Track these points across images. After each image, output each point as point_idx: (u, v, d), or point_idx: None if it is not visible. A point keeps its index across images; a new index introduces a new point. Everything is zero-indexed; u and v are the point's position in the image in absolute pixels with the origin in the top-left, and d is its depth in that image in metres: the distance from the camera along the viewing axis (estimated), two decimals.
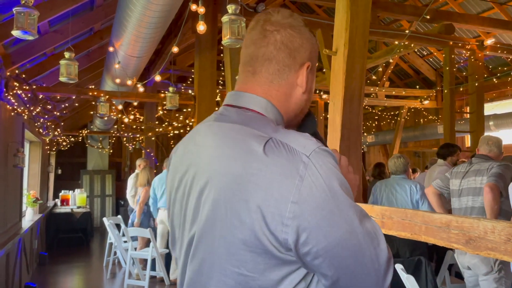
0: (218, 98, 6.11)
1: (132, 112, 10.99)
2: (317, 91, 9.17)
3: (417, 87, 9.58)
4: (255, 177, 0.79)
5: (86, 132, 9.77)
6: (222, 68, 7.47)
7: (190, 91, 6.35)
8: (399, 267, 3.32)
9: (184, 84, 8.16)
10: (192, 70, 8.32)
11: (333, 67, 2.47)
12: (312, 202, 0.77)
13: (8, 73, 4.09)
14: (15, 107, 4.28)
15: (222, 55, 6.30)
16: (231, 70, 3.88)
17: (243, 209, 0.80)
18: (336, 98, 2.45)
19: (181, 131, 8.55)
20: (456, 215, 1.74)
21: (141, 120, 8.65)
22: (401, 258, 3.63)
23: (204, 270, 0.86)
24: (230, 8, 2.14)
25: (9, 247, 4.25)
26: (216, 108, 5.71)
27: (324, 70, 6.17)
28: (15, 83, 4.28)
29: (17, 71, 4.31)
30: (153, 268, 5.54)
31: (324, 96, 9.22)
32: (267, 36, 0.93)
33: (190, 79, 9.12)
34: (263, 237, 0.78)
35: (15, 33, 2.16)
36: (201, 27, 2.19)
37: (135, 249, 5.81)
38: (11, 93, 4.14)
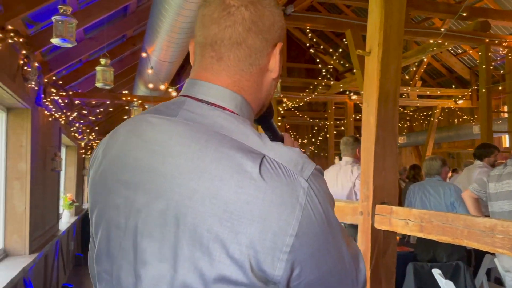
0: None
1: None
2: (347, 92, 9.06)
3: (453, 86, 9.32)
4: (250, 205, 0.66)
5: None
6: None
7: None
8: (436, 272, 3.23)
9: None
10: None
11: (367, 68, 2.43)
12: (311, 233, 0.68)
13: (46, 80, 4.23)
14: (53, 112, 4.42)
15: None
16: None
17: (231, 242, 0.66)
18: (370, 99, 2.40)
19: None
20: (501, 219, 1.68)
21: None
22: (438, 263, 3.53)
23: None
24: None
25: (47, 249, 4.38)
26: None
27: (354, 70, 6.09)
28: (52, 90, 4.42)
29: (54, 78, 4.45)
30: None
31: (354, 97, 9.11)
32: (232, 13, 0.75)
33: None
34: (251, 273, 0.67)
35: (55, 41, 2.23)
36: None
37: None
38: (48, 99, 4.28)
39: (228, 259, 0.66)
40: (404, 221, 2.12)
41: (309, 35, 10.65)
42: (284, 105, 10.35)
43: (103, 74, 3.13)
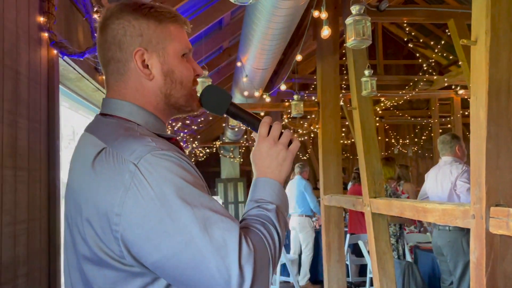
0: (341, 103, 6.03)
1: None
2: (453, 87, 8.43)
3: None
4: (85, 191, 0.78)
5: (219, 143, 10.48)
6: (344, 72, 7.36)
7: (313, 98, 6.38)
8: None
9: (306, 91, 8.22)
10: (314, 77, 8.33)
11: (473, 58, 2.24)
12: (137, 213, 0.72)
13: None
14: None
15: (344, 58, 6.23)
16: (355, 73, 3.78)
17: (80, 224, 0.78)
18: (479, 92, 2.20)
19: (305, 137, 8.58)
20: None
21: None
22: None
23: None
24: (354, 9, 2.09)
25: None
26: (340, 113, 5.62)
27: (459, 63, 5.65)
28: None
29: None
30: (286, 273, 5.65)
31: (461, 91, 8.44)
32: (99, 40, 0.91)
33: (313, 86, 9.16)
34: (100, 252, 0.76)
35: None
36: (325, 32, 2.18)
37: None
38: None
39: (83, 241, 0.78)
40: None
41: (407, 29, 10.14)
42: (382, 104, 9.96)
43: (202, 85, 3.31)
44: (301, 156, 10.77)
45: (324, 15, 2.31)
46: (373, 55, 11.43)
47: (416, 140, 12.28)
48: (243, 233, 0.76)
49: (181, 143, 0.99)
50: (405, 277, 3.66)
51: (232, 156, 11.52)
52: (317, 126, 5.50)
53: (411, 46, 10.93)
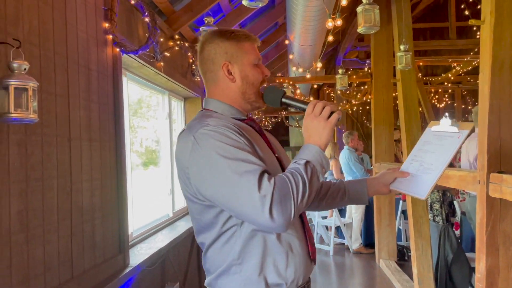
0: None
1: (327, 91, 11.61)
2: None
3: None
4: (176, 155, 1.25)
5: (284, 113, 10.87)
6: None
7: (365, 68, 6.48)
8: None
9: (368, 60, 8.24)
10: None
11: (481, 37, 2.41)
12: (196, 165, 1.15)
13: None
14: None
15: None
16: (399, 46, 3.93)
17: (179, 177, 1.25)
18: (485, 68, 2.38)
19: (361, 108, 8.61)
20: None
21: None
22: None
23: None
24: None
25: None
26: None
27: None
28: None
29: None
30: (342, 236, 6.05)
31: None
32: (199, 58, 1.34)
33: None
34: (187, 193, 1.23)
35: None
36: (330, 24, 2.44)
37: (323, 218, 6.43)
38: None
39: (181, 187, 1.26)
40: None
41: None
42: (454, 71, 9.57)
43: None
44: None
45: (344, 2, 2.58)
46: (446, 18, 10.88)
47: None
48: (270, 176, 1.09)
49: (255, 120, 1.40)
50: (441, 239, 3.89)
51: (298, 126, 11.88)
52: (370, 97, 5.67)
53: None
